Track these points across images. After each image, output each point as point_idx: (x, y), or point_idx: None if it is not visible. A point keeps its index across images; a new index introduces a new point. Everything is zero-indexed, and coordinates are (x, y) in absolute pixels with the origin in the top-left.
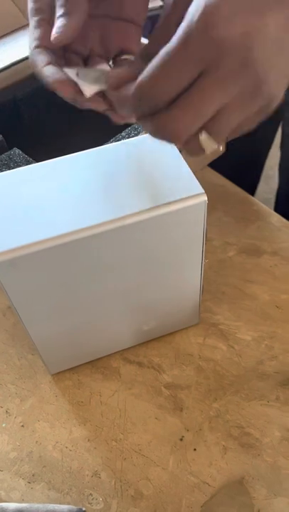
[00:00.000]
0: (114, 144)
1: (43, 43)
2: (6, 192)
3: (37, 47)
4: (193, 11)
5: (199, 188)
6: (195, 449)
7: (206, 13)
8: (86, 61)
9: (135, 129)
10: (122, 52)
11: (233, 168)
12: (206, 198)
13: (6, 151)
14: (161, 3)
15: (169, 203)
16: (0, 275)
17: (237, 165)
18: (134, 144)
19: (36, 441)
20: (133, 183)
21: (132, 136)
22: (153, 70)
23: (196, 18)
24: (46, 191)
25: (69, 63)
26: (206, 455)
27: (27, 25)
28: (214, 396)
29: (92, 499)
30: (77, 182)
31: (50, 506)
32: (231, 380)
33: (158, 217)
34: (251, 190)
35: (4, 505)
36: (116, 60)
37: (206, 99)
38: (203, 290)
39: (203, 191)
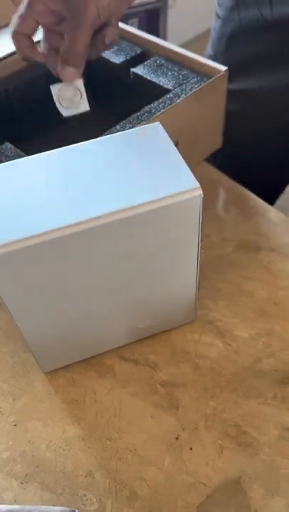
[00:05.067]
0: (108, 136)
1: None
2: None
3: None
4: None
5: (194, 182)
6: (191, 449)
7: None
8: None
9: (130, 122)
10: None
11: (265, 166)
12: (201, 192)
13: None
14: None
15: (164, 198)
16: None
17: (269, 163)
18: (128, 137)
19: (29, 441)
20: (127, 176)
21: (127, 129)
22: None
23: None
24: (38, 185)
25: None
26: (203, 454)
27: None
28: (211, 394)
29: (86, 500)
30: (70, 176)
31: (43, 508)
32: (228, 378)
33: (152, 212)
34: (278, 191)
35: None
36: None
37: None
38: (200, 286)
39: (199, 185)
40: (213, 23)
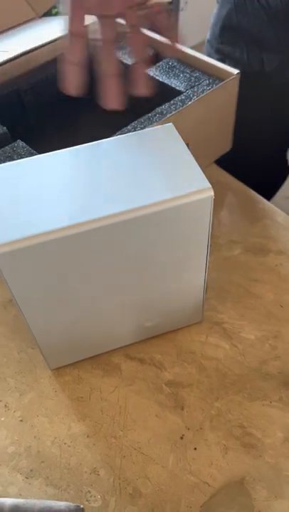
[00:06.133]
0: (119, 136)
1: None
2: (9, 183)
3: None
4: None
5: (206, 183)
6: (195, 448)
7: None
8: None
9: (141, 123)
10: None
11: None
12: (212, 193)
13: (10, 143)
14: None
15: (175, 197)
16: (2, 267)
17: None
18: (140, 137)
19: (35, 436)
20: (138, 176)
21: (138, 130)
22: None
23: None
24: (49, 183)
25: None
26: (207, 454)
27: (34, 18)
28: (216, 395)
29: (91, 496)
30: (81, 175)
31: (48, 502)
32: (234, 380)
33: (163, 212)
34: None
35: (1, 500)
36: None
37: None
38: (208, 288)
39: (210, 186)
40: (214, 10)
